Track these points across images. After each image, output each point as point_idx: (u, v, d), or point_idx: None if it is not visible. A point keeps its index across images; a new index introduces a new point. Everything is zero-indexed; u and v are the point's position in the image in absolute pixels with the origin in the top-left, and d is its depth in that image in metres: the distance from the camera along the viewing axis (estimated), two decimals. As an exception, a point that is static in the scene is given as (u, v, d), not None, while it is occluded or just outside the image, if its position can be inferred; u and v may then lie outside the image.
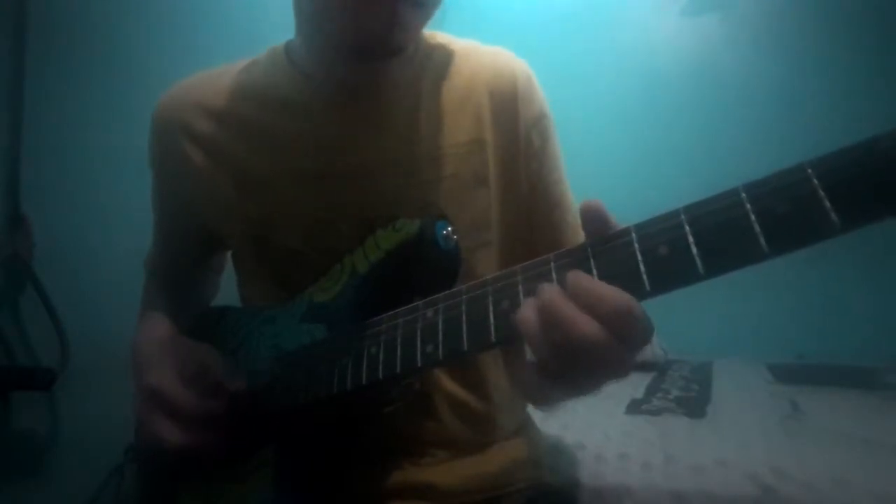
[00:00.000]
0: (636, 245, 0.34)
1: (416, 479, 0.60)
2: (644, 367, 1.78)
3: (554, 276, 0.37)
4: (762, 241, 0.30)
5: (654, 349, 1.82)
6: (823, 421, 1.18)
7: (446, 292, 0.44)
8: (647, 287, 0.33)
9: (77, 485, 1.05)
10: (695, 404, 1.33)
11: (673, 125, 2.26)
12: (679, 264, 0.32)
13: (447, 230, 0.50)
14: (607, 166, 2.30)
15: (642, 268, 0.33)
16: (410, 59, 0.62)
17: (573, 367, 0.35)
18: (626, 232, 0.35)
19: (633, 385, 1.53)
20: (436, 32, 0.66)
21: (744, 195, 0.31)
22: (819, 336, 2.03)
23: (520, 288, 0.38)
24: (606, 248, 0.36)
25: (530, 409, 0.75)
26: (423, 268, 0.49)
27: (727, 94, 2.19)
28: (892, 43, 2.01)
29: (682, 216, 0.33)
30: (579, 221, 0.37)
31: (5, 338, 0.97)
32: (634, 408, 1.30)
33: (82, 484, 1.06)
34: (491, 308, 0.39)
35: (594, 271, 0.35)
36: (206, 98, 0.62)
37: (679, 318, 2.07)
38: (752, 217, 0.30)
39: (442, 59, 0.63)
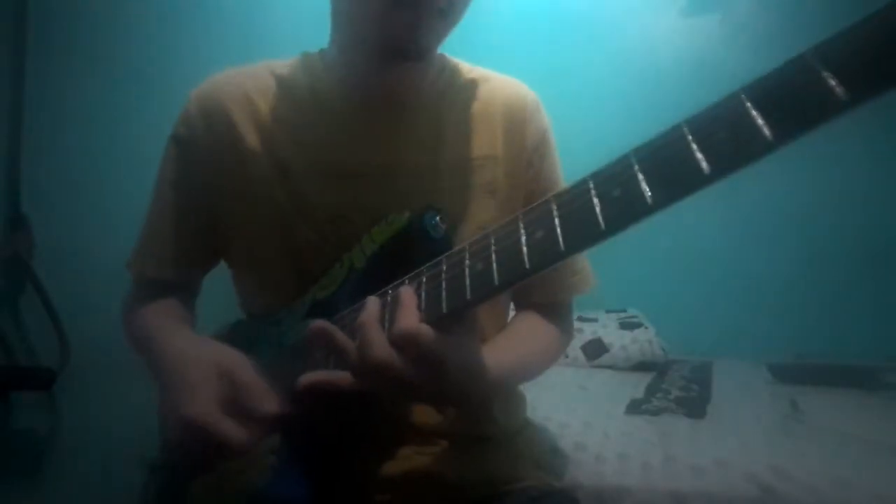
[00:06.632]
0: (593, 191, 0.36)
1: (418, 469, 0.61)
2: (644, 367, 1.78)
3: (522, 230, 0.40)
4: (703, 164, 0.31)
5: (654, 349, 1.82)
6: (823, 421, 1.18)
7: (429, 263, 0.46)
8: (602, 226, 0.35)
9: (77, 485, 1.05)
10: (695, 404, 1.33)
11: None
12: (630, 201, 0.34)
13: (436, 220, 0.52)
14: (607, 166, 2.30)
15: (598, 209, 0.35)
16: (437, 76, 0.68)
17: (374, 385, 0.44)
18: (584, 181, 0.38)
19: (633, 385, 1.53)
20: (458, 60, 0.72)
21: (685, 128, 0.33)
22: (819, 336, 2.03)
23: (492, 248, 0.41)
24: (567, 198, 0.38)
25: (530, 409, 0.75)
26: (416, 257, 0.50)
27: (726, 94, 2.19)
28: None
29: (632, 156, 0.35)
30: None
31: (5, 338, 0.97)
32: (634, 408, 1.30)
33: (82, 484, 1.06)
34: (467, 272, 0.42)
35: (556, 221, 0.38)
36: (252, 89, 0.66)
37: (679, 318, 2.08)
38: (694, 146, 0.32)
39: (464, 82, 0.70)
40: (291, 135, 0.64)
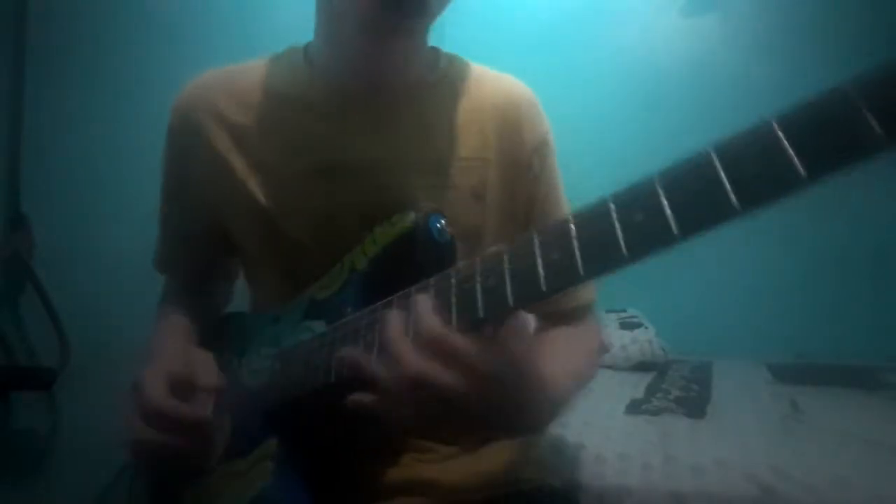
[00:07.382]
0: (614, 214, 0.35)
1: (419, 476, 0.60)
2: (644, 367, 1.78)
3: (538, 250, 0.38)
4: (733, 197, 0.30)
5: (654, 349, 1.82)
6: (823, 421, 1.18)
7: (438, 275, 0.44)
8: (625, 252, 0.33)
9: (77, 485, 1.05)
10: (695, 404, 1.33)
11: (672, 125, 2.25)
12: (655, 228, 0.32)
13: (441, 223, 0.51)
14: (606, 166, 2.30)
15: (620, 234, 0.34)
16: (428, 69, 0.66)
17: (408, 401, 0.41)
18: (603, 202, 0.36)
19: (633, 385, 1.54)
20: (452, 54, 0.70)
21: (713, 155, 0.31)
22: (819, 336, 2.03)
23: (505, 266, 0.39)
24: (586, 219, 0.36)
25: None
26: (419, 260, 0.49)
27: (726, 94, 2.18)
28: (891, 44, 2.01)
29: (656, 181, 0.34)
30: None
31: (5, 338, 0.97)
32: (634, 408, 1.30)
33: (82, 484, 1.06)
34: (479, 287, 0.40)
35: (575, 243, 0.36)
36: (233, 89, 0.65)
37: (679, 318, 2.08)
38: (723, 175, 0.30)
39: (456, 78, 0.67)
40: (270, 134, 0.62)
